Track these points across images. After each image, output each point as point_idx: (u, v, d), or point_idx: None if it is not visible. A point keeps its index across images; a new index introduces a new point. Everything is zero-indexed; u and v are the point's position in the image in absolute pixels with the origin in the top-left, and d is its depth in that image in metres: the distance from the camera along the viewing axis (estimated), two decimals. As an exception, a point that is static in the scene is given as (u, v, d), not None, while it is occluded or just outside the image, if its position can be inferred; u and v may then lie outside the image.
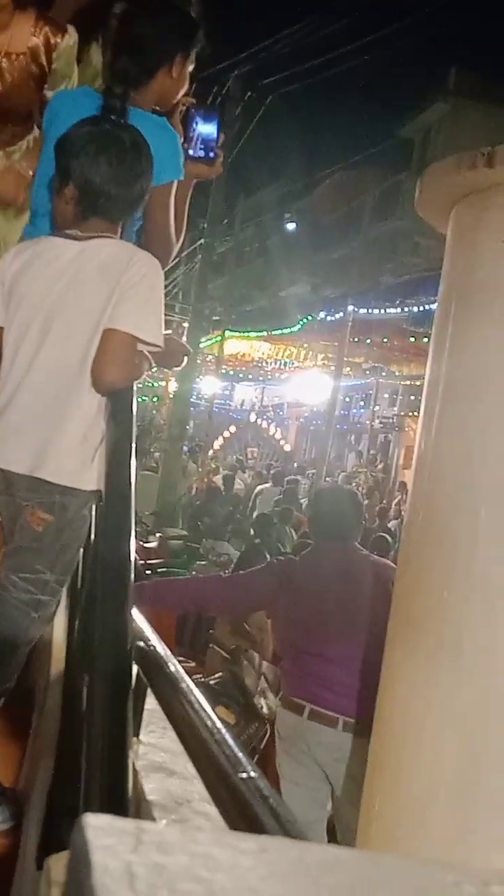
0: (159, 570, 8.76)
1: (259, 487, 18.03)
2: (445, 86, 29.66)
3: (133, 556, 1.76)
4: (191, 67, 2.80)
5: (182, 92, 2.83)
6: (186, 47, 2.75)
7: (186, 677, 1.34)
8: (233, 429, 28.75)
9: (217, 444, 26.19)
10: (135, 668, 1.51)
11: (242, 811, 0.89)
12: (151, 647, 1.53)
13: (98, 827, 0.48)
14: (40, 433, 2.23)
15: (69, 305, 2.27)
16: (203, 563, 9.85)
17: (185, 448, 20.32)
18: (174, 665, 1.41)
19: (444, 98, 29.33)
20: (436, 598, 3.11)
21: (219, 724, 1.09)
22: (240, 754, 1.00)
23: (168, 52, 2.72)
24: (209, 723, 1.10)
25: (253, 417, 31.32)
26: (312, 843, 0.53)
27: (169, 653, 1.51)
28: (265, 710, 4.92)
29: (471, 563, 3.03)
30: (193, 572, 8.70)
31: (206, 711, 1.15)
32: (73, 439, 2.23)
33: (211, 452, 23.66)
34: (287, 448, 28.80)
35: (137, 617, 1.67)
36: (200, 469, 20.73)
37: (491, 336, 3.10)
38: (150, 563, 8.91)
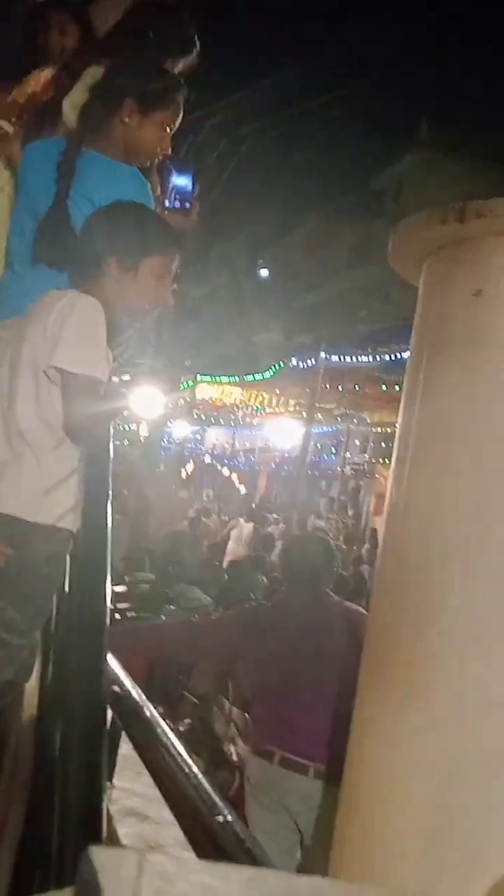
0: (128, 614, 8.71)
1: (231, 522, 18.12)
2: (416, 138, 30.14)
3: (109, 600, 1.76)
4: (159, 117, 2.80)
5: (153, 142, 2.83)
6: (136, 92, 2.75)
7: (162, 722, 1.35)
8: (191, 466, 28.65)
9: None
10: (109, 713, 1.52)
11: (219, 854, 0.90)
12: (126, 692, 1.54)
13: (105, 856, 0.50)
14: None
15: (19, 346, 2.34)
16: (172, 608, 9.80)
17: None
18: (150, 710, 1.42)
19: (416, 150, 29.78)
20: (406, 647, 3.11)
21: (195, 769, 1.10)
22: (217, 799, 1.01)
23: (113, 96, 2.74)
24: (186, 768, 1.11)
25: (208, 459, 31.16)
26: (298, 875, 0.54)
27: (144, 698, 1.52)
28: (234, 757, 4.88)
29: (441, 613, 3.05)
30: (163, 617, 8.66)
31: (182, 756, 1.16)
32: (24, 471, 2.26)
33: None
34: (242, 490, 28.78)
35: (111, 661, 1.67)
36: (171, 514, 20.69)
37: (461, 387, 3.14)
38: (119, 608, 8.86)
